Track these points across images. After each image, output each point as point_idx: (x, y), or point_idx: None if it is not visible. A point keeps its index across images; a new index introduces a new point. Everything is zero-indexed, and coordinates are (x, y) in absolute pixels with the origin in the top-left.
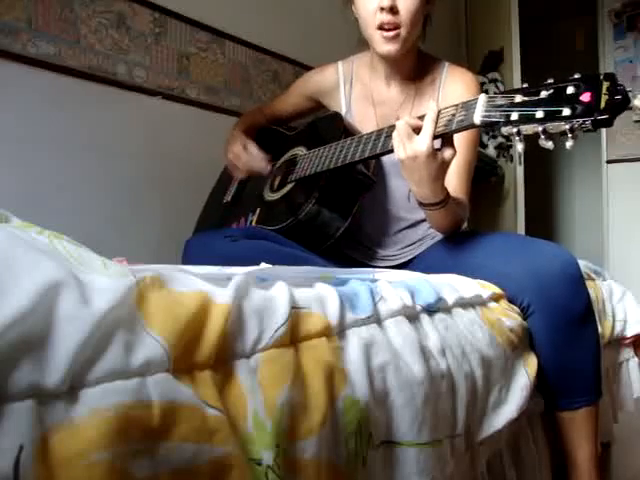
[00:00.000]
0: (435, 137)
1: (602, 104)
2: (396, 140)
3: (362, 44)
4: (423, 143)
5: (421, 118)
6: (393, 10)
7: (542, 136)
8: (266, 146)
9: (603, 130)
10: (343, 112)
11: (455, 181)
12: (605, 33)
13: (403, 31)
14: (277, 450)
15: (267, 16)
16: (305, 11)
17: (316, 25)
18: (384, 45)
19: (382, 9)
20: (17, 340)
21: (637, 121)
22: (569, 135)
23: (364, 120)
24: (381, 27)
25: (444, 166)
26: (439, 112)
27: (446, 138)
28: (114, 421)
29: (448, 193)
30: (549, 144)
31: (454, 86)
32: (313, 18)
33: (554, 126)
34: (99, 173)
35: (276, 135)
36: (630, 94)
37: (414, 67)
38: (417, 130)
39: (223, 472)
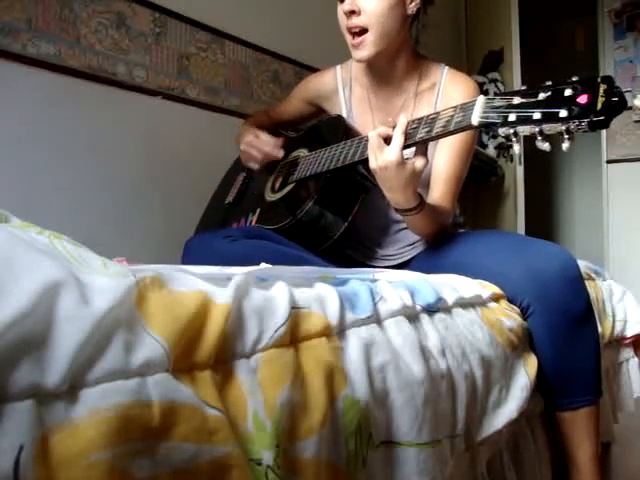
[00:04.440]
0: (407, 147)
1: (599, 105)
2: (369, 151)
3: None
4: (392, 154)
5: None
6: (355, 13)
7: (539, 137)
8: None
9: (603, 130)
10: (344, 116)
11: (442, 189)
12: (605, 33)
13: (370, 35)
14: (277, 450)
15: (267, 16)
16: (305, 11)
17: (316, 25)
18: (355, 52)
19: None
20: (17, 340)
21: (637, 121)
22: (566, 136)
23: (364, 125)
24: (349, 32)
25: (415, 175)
26: (408, 123)
27: (418, 149)
28: (114, 421)
29: (422, 200)
30: (545, 145)
31: (454, 91)
32: (313, 18)
33: (551, 127)
34: (99, 173)
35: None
36: (630, 94)
37: (410, 71)
38: (389, 140)
39: (223, 472)
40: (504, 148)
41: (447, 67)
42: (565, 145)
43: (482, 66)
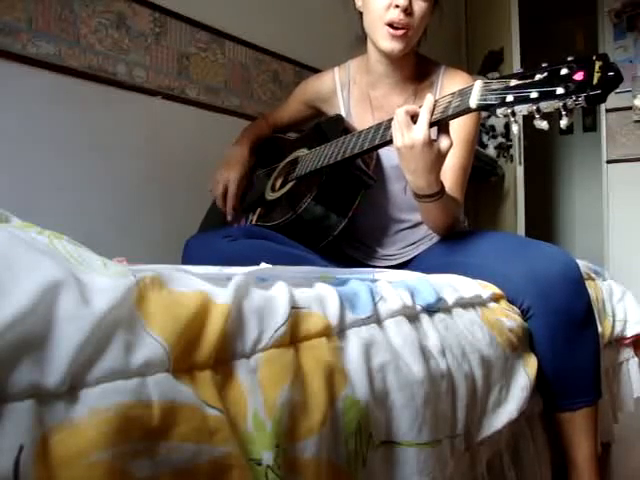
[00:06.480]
0: (432, 124)
1: (595, 81)
2: (395, 128)
3: (360, 41)
4: (420, 132)
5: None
6: (407, 11)
7: (536, 115)
8: (269, 152)
9: (603, 130)
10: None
11: (450, 180)
12: (605, 33)
13: (410, 32)
14: (277, 450)
15: (267, 16)
16: (305, 11)
17: (316, 25)
18: (390, 42)
19: (397, 6)
20: (17, 340)
21: (637, 121)
22: (563, 113)
23: (363, 125)
24: (390, 24)
25: (440, 157)
26: (435, 102)
27: (442, 128)
28: (114, 421)
29: (443, 187)
30: (544, 124)
31: (451, 87)
32: (313, 18)
33: (548, 104)
34: (99, 173)
35: (279, 141)
36: (630, 94)
37: (412, 71)
38: (416, 119)
39: (223, 472)
40: (504, 148)
41: (444, 65)
42: (563, 122)
43: (482, 66)
